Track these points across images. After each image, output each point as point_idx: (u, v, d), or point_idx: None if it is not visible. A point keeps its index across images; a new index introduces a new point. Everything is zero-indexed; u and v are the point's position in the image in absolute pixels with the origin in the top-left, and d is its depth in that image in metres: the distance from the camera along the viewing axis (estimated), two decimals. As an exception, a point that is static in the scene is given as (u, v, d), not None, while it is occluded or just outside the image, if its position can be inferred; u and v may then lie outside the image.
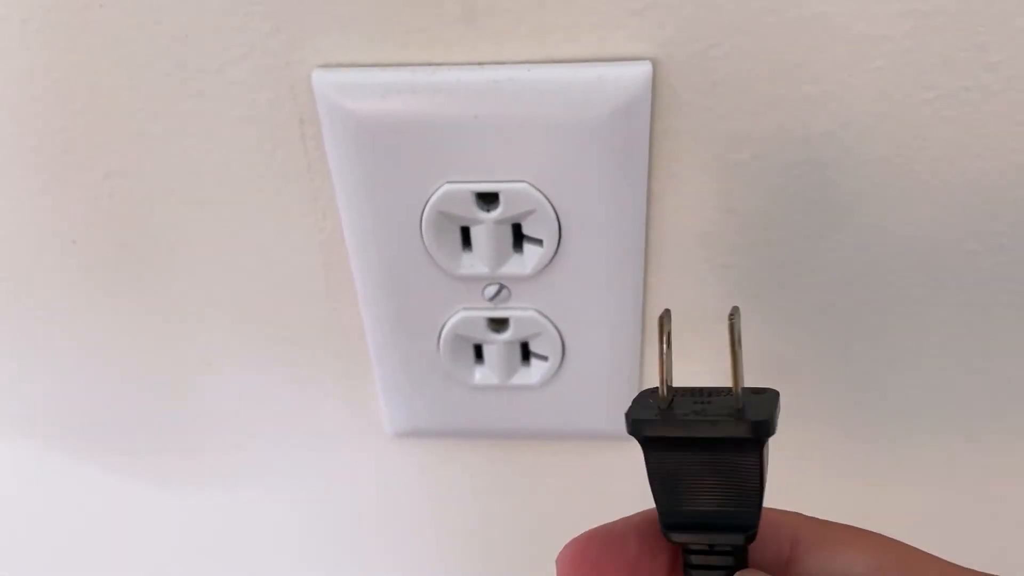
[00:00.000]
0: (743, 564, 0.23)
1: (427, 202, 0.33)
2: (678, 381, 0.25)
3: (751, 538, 0.23)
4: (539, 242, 0.34)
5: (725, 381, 0.24)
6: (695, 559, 0.24)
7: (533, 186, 0.33)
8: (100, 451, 0.46)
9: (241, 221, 0.36)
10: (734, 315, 0.23)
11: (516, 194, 0.33)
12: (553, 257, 0.34)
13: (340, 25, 0.31)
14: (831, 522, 0.24)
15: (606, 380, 0.38)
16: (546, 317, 0.37)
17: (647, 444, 0.24)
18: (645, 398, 0.25)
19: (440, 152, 0.32)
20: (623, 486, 0.42)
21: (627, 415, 0.24)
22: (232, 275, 0.38)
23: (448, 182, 0.33)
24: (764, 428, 0.22)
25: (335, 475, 0.45)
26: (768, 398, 0.24)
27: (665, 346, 0.24)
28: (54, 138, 0.35)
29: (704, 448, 0.23)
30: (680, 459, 0.23)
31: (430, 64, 0.31)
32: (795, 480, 0.40)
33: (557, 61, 0.31)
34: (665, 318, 0.24)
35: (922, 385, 0.38)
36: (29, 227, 0.38)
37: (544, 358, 0.38)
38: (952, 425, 0.40)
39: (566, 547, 0.23)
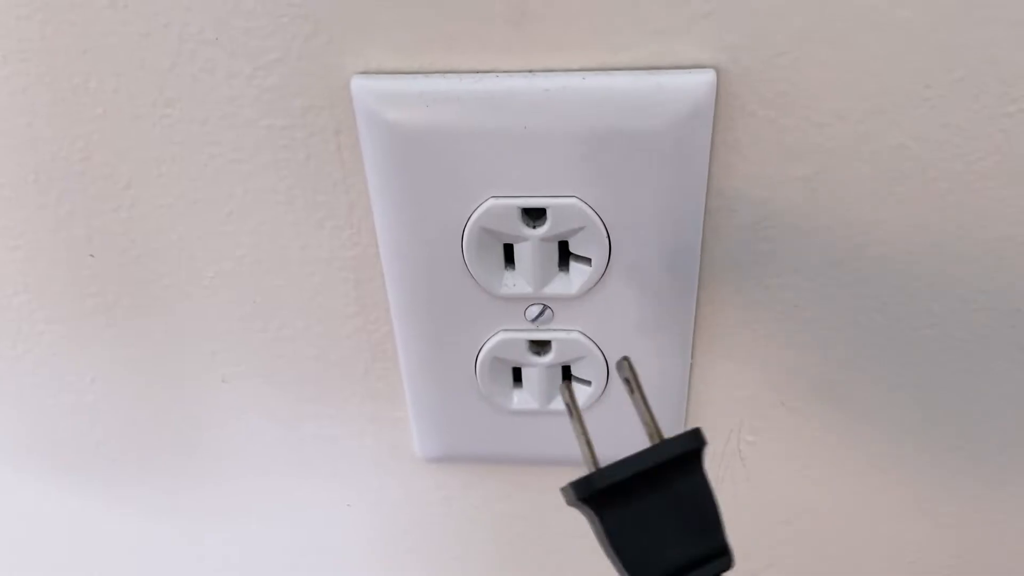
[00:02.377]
0: None
1: (470, 217, 0.31)
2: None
3: (728, 561, 0.23)
4: (587, 261, 0.32)
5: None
6: None
7: (584, 202, 0.31)
8: (108, 477, 0.44)
9: (269, 234, 0.34)
10: (622, 365, 0.25)
11: (565, 210, 0.31)
12: (601, 277, 0.32)
13: (381, 29, 0.29)
14: None
15: (652, 407, 0.36)
16: (591, 339, 0.34)
17: (598, 502, 0.23)
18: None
19: (485, 165, 0.30)
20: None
21: (562, 490, 0.24)
22: (256, 291, 0.36)
23: (493, 196, 0.31)
24: (698, 435, 0.24)
25: (361, 500, 0.43)
26: (687, 432, 0.24)
27: (581, 423, 0.25)
28: (72, 145, 0.33)
29: (652, 485, 0.23)
30: (632, 509, 0.23)
31: (476, 71, 0.30)
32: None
33: (613, 69, 0.29)
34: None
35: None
36: (44, 239, 0.36)
37: (587, 383, 0.36)
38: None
39: None
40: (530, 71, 0.29)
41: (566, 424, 0.37)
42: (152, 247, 0.35)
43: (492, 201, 0.31)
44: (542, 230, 0.31)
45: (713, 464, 0.39)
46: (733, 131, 0.30)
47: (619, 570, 0.24)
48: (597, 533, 0.24)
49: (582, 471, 0.42)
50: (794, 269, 0.33)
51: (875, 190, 0.31)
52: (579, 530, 0.43)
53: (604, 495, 0.23)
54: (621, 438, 0.37)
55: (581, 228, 0.31)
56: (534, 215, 0.32)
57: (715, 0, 0.27)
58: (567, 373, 0.36)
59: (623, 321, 0.34)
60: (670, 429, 0.37)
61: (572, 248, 0.32)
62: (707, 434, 0.38)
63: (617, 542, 0.23)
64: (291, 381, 0.39)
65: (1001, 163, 0.30)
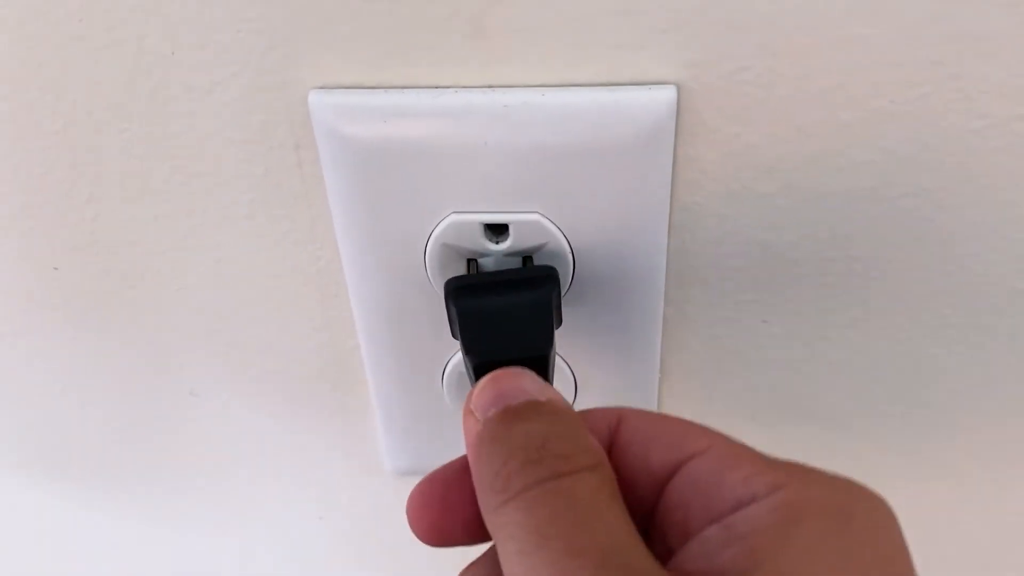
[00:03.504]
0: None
1: (432, 232, 0.31)
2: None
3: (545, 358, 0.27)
4: (559, 294, 0.32)
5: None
6: None
7: (546, 217, 0.30)
8: (79, 489, 0.44)
9: (231, 249, 0.34)
10: None
11: (527, 226, 0.30)
12: (565, 293, 0.32)
13: (339, 43, 0.29)
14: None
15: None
16: (562, 359, 0.34)
17: (456, 295, 0.29)
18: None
19: (446, 180, 0.30)
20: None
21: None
22: (222, 305, 0.36)
23: (455, 212, 0.31)
24: (552, 268, 0.29)
25: (330, 514, 0.43)
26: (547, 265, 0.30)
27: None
28: (33, 158, 0.33)
29: (503, 293, 0.29)
30: (482, 306, 0.28)
31: (436, 87, 0.29)
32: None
33: (573, 84, 0.29)
34: None
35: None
36: (7, 252, 0.35)
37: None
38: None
39: (413, 489, 0.23)
40: (490, 86, 0.29)
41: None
42: (116, 261, 0.35)
43: (454, 216, 0.31)
44: (504, 246, 0.31)
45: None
46: (695, 147, 0.29)
47: (462, 351, 0.28)
48: (451, 322, 0.29)
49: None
50: (761, 285, 0.32)
51: (842, 206, 0.30)
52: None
53: (462, 291, 0.29)
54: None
55: (544, 244, 0.31)
56: (497, 231, 0.31)
57: (674, 15, 0.27)
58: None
59: (589, 337, 0.33)
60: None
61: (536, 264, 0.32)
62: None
63: (463, 324, 0.28)
64: (259, 395, 0.38)
65: (968, 179, 0.29)
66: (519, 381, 0.23)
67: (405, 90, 0.29)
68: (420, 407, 0.37)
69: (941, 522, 0.40)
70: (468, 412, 0.23)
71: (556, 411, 0.22)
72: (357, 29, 0.28)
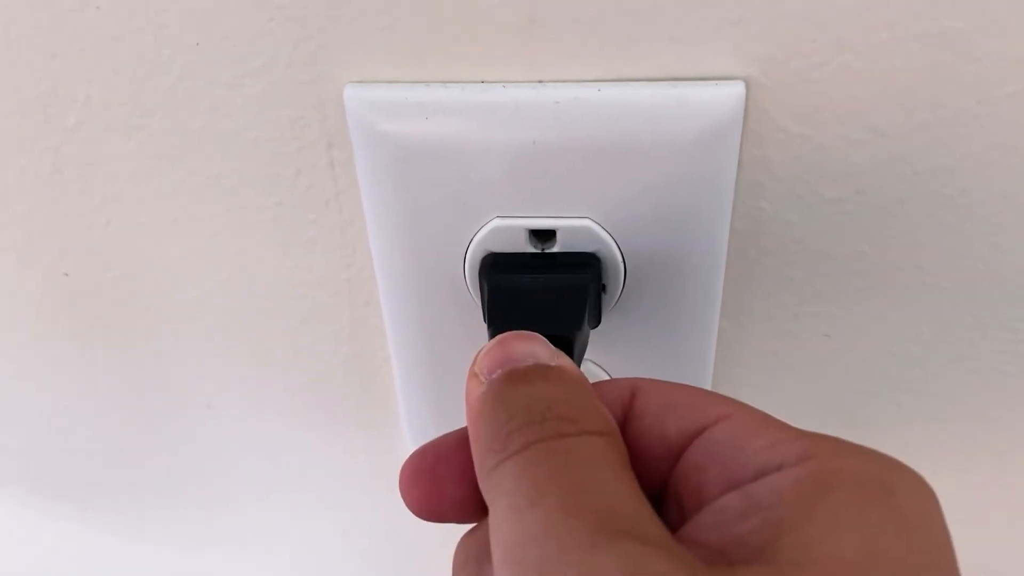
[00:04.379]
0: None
1: (472, 238, 0.29)
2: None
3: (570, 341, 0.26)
4: (601, 287, 0.29)
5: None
6: None
7: (597, 223, 0.28)
8: (88, 505, 0.41)
9: (256, 255, 0.32)
10: None
11: (577, 232, 0.28)
12: (615, 303, 0.30)
13: (378, 35, 0.26)
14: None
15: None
16: (602, 368, 0.32)
17: (490, 269, 0.28)
18: None
19: (490, 182, 0.28)
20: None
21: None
22: (243, 315, 0.33)
23: (498, 216, 0.28)
24: (594, 255, 0.28)
25: (353, 531, 0.41)
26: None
27: None
28: (42, 158, 0.30)
29: (540, 272, 0.28)
30: (515, 282, 0.27)
31: (482, 82, 0.27)
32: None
33: (631, 79, 0.26)
34: None
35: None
36: (14, 257, 0.33)
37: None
38: None
39: (406, 460, 0.22)
40: (540, 82, 0.27)
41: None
42: (130, 267, 0.33)
43: (497, 221, 0.28)
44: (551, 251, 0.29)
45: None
46: (762, 148, 0.27)
47: (487, 328, 0.27)
48: (483, 302, 0.28)
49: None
50: (824, 297, 0.30)
51: (915, 213, 0.28)
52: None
53: (496, 267, 0.28)
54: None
55: (594, 252, 0.29)
56: (543, 237, 0.29)
57: (745, 6, 0.25)
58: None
59: (639, 351, 0.31)
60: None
61: (584, 273, 0.30)
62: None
63: (491, 299, 0.27)
64: (280, 409, 0.36)
65: (1055, 185, 0.27)
66: (529, 345, 0.21)
67: (448, 85, 0.27)
68: (452, 423, 0.35)
69: (995, 548, 0.38)
70: (472, 375, 0.21)
71: (565, 377, 0.21)
72: (397, 20, 0.26)
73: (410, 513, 0.40)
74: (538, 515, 0.16)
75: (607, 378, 0.32)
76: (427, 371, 0.33)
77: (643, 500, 0.17)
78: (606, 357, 0.32)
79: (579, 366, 0.28)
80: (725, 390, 0.33)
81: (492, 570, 0.19)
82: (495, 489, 0.18)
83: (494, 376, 0.21)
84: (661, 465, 0.20)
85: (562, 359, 0.21)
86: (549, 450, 0.18)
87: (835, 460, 0.17)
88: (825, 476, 0.17)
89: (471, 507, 0.21)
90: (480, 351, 0.22)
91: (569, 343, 0.27)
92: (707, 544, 0.17)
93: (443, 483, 0.21)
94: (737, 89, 0.26)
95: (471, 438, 0.20)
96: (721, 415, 0.20)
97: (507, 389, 0.20)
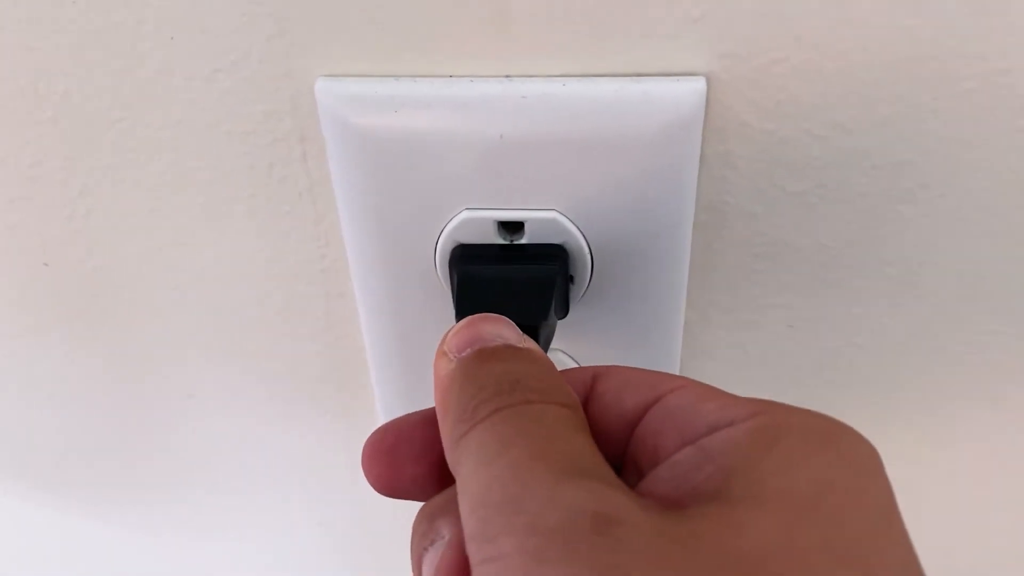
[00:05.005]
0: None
1: (443, 230, 0.29)
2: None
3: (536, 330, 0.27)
4: (569, 278, 0.30)
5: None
6: None
7: (564, 215, 0.29)
8: (67, 493, 0.42)
9: (231, 246, 0.32)
10: None
11: (544, 224, 0.29)
12: (583, 295, 0.30)
13: (349, 29, 0.27)
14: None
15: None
16: (571, 358, 0.33)
17: (460, 261, 0.28)
18: None
19: (459, 175, 0.28)
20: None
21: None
22: (221, 305, 0.34)
23: (468, 208, 0.29)
24: (562, 247, 0.28)
25: (330, 521, 0.41)
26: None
27: None
28: (23, 149, 0.31)
29: (508, 263, 0.28)
30: (485, 273, 0.28)
31: (451, 76, 0.28)
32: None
33: (596, 75, 0.27)
34: None
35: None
36: (-5, 247, 0.34)
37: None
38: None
39: (367, 439, 0.23)
40: (507, 76, 0.27)
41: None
42: (109, 257, 0.33)
43: (466, 213, 0.29)
44: (519, 244, 0.29)
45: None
46: (725, 142, 0.28)
47: (456, 316, 0.28)
48: (452, 292, 0.29)
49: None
50: (789, 288, 0.31)
51: (876, 207, 0.29)
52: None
53: (465, 258, 0.28)
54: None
55: (561, 243, 0.29)
56: (511, 228, 0.30)
57: (706, 3, 0.25)
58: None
59: (607, 341, 0.32)
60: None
61: (553, 264, 0.30)
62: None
63: (459, 289, 0.28)
64: (260, 397, 0.37)
65: (1012, 181, 0.28)
66: (497, 327, 0.22)
67: (418, 79, 0.28)
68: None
69: (963, 533, 0.39)
70: (441, 353, 0.22)
71: (533, 357, 0.21)
72: (368, 14, 0.27)
73: (387, 500, 0.40)
74: (504, 462, 0.17)
75: (575, 366, 0.32)
76: (401, 359, 0.33)
77: (604, 460, 0.18)
78: (574, 346, 0.32)
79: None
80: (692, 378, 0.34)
81: (444, 523, 0.20)
82: (463, 454, 0.19)
83: (464, 354, 0.21)
84: (621, 437, 0.21)
85: (529, 342, 0.22)
86: (516, 414, 0.19)
87: (784, 416, 0.18)
88: (775, 427, 0.18)
89: (431, 483, 0.22)
90: (449, 331, 0.22)
91: (535, 332, 0.28)
92: (664, 496, 0.18)
93: (403, 461, 0.22)
94: (698, 85, 0.26)
95: (439, 415, 0.21)
96: (675, 386, 0.20)
97: (477, 366, 0.21)
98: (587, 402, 0.22)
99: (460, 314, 0.28)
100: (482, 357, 0.21)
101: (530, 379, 0.20)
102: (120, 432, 0.39)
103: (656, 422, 0.20)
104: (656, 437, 0.20)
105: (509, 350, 0.21)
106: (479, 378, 0.20)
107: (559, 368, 0.30)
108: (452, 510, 0.19)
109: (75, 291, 0.34)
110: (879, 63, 0.26)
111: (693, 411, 0.19)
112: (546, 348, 0.29)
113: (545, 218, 0.29)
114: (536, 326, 0.27)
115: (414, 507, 0.41)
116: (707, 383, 0.21)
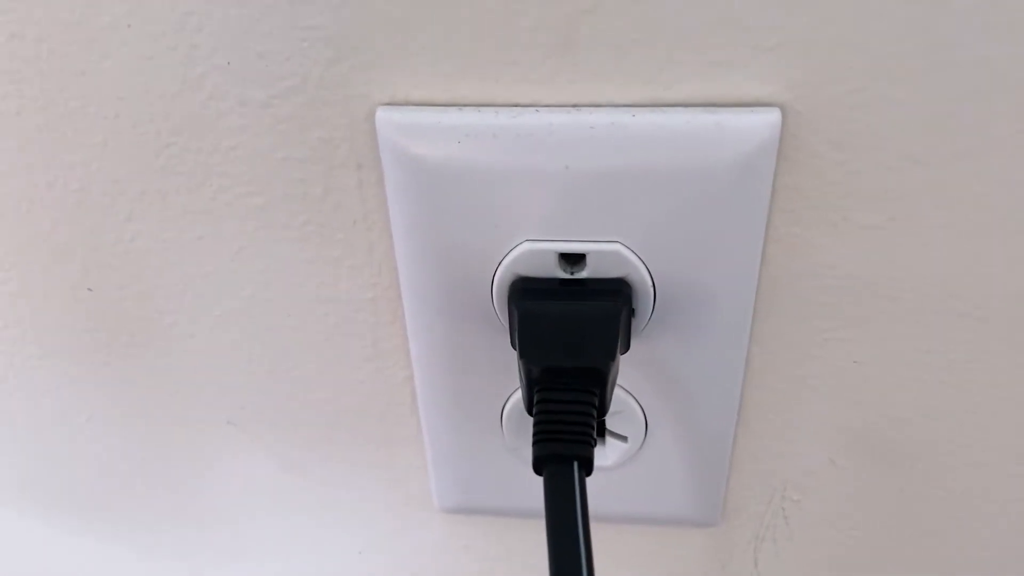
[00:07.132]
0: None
1: (501, 261, 0.29)
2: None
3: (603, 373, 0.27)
4: (631, 312, 0.29)
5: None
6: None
7: (627, 247, 0.28)
8: (105, 521, 0.41)
9: (281, 272, 0.31)
10: None
11: (607, 256, 0.28)
12: (644, 327, 0.29)
13: (410, 56, 0.26)
14: None
15: (691, 465, 0.33)
16: (629, 394, 0.32)
17: (519, 296, 0.27)
18: None
19: (521, 206, 0.27)
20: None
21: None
22: (266, 332, 0.33)
23: (528, 240, 0.28)
24: (624, 280, 0.28)
25: (369, 550, 0.41)
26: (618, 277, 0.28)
27: None
28: (69, 173, 0.30)
29: (571, 299, 0.27)
30: (547, 309, 0.27)
31: (515, 105, 0.27)
32: None
33: (666, 105, 0.26)
34: None
35: None
36: (38, 270, 0.33)
37: (623, 438, 0.33)
38: None
39: None
40: (574, 106, 0.27)
41: (599, 480, 0.35)
42: (154, 283, 0.32)
43: (527, 245, 0.28)
44: (580, 276, 0.28)
45: (754, 522, 0.37)
46: (796, 174, 0.27)
47: (518, 356, 0.27)
48: (511, 328, 0.28)
49: (611, 528, 0.39)
50: (856, 323, 0.30)
51: (952, 241, 0.28)
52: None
53: (527, 293, 0.27)
54: (655, 497, 0.35)
55: (623, 276, 0.28)
56: (572, 260, 0.29)
57: (781, 32, 0.25)
58: (601, 426, 0.33)
59: (666, 374, 0.31)
60: (712, 482, 0.34)
61: (613, 296, 0.29)
62: (750, 491, 0.35)
63: (522, 327, 0.27)
64: (301, 425, 0.36)
65: (1094, 215, 0.27)
66: None
67: (481, 109, 0.27)
68: (474, 444, 0.34)
69: None
70: None
71: None
72: (430, 41, 0.26)
73: (428, 530, 0.40)
74: None
75: (635, 405, 0.32)
76: (450, 390, 0.33)
77: None
78: (634, 382, 0.31)
79: (611, 395, 0.28)
80: (753, 416, 0.33)
81: None
82: None
83: None
84: None
85: None
86: None
87: None
88: None
89: None
90: None
91: (601, 375, 0.27)
92: None
93: None
94: (773, 116, 0.26)
95: None
96: None
97: None
98: None
99: (523, 354, 0.27)
100: None
101: None
102: (158, 456, 0.38)
103: None
104: None
105: None
106: None
107: (617, 406, 0.30)
108: None
109: (118, 316, 0.34)
110: (955, 95, 0.25)
111: None
112: (612, 388, 0.28)
113: (608, 250, 0.28)
114: (603, 369, 0.27)
115: (453, 525, 0.40)
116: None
